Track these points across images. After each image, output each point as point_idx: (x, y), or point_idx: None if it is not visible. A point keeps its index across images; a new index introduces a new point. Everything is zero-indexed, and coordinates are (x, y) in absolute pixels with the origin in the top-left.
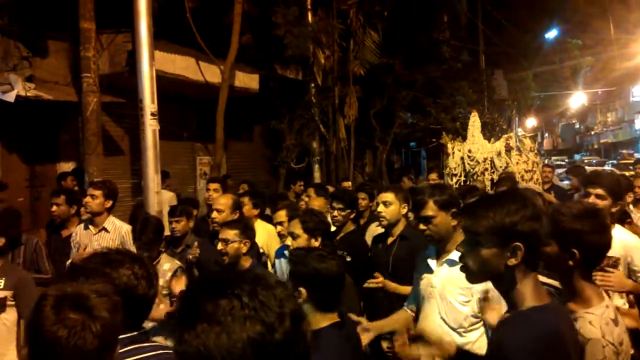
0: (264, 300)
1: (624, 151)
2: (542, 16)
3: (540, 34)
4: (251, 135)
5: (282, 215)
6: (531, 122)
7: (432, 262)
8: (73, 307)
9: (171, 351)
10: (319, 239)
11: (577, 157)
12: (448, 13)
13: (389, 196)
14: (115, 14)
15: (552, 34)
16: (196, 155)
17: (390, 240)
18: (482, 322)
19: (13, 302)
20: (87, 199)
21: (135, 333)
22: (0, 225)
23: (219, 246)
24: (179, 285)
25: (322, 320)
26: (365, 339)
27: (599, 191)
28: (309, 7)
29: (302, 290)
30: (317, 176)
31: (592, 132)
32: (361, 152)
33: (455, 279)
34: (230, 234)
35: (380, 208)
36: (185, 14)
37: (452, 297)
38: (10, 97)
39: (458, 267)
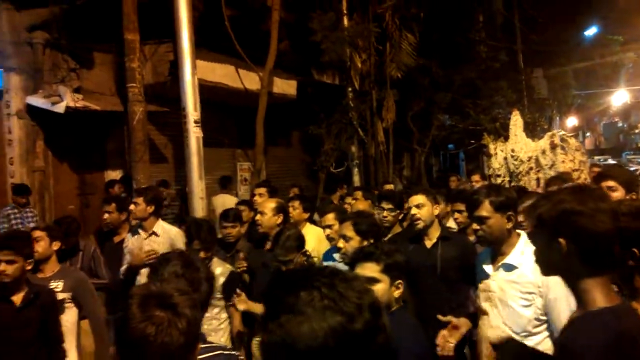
0: (342, 292)
1: None
2: (580, 12)
3: (579, 30)
4: (290, 141)
5: (330, 218)
6: (572, 121)
7: (487, 267)
8: (159, 305)
9: (227, 352)
10: (371, 241)
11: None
12: (484, 13)
13: (420, 198)
14: (157, 25)
15: (591, 31)
16: (236, 162)
17: (429, 242)
18: (546, 325)
19: (71, 304)
20: (132, 206)
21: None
22: (60, 233)
23: (257, 217)
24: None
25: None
26: (457, 336)
27: (610, 183)
28: (345, 11)
29: None
30: (356, 180)
31: (637, 130)
32: (399, 155)
33: (514, 283)
34: (267, 207)
35: (414, 211)
36: (223, 23)
37: (512, 302)
38: (60, 108)
39: (516, 271)
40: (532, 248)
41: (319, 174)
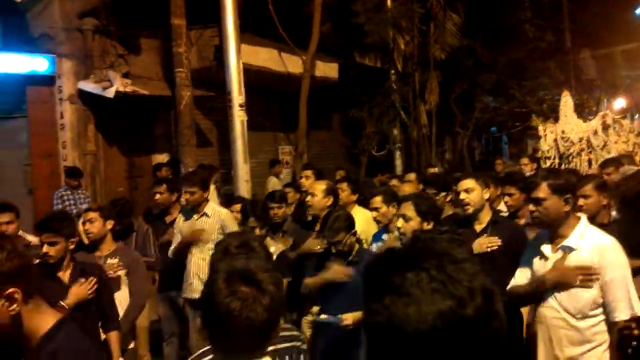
0: (452, 274)
1: None
2: None
3: (630, 8)
4: (331, 124)
5: (378, 201)
6: (620, 102)
7: (546, 248)
8: (244, 280)
9: (299, 343)
10: (431, 223)
11: None
12: None
13: (469, 183)
14: (202, 10)
15: None
16: (278, 145)
17: (478, 227)
18: (602, 309)
19: (126, 280)
20: (187, 195)
21: None
22: (112, 212)
23: (307, 198)
24: None
25: None
26: None
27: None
28: None
29: None
30: (398, 164)
31: None
32: (441, 138)
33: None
34: (317, 189)
35: (463, 195)
36: (267, 7)
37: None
38: (110, 92)
39: (575, 253)
40: (592, 231)
41: (360, 157)
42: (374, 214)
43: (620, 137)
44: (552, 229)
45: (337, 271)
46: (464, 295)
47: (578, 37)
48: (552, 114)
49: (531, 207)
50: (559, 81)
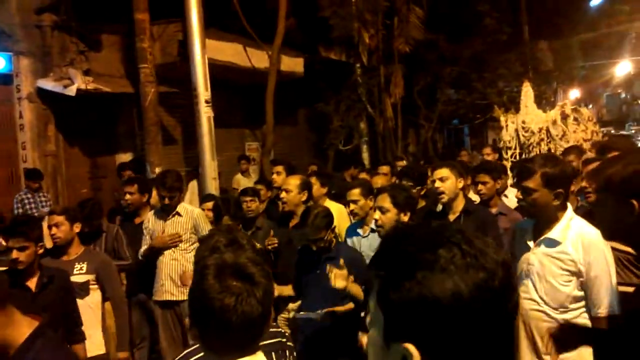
0: (482, 248)
1: None
2: None
3: (585, 1)
4: (296, 119)
5: (356, 193)
6: (574, 93)
7: (529, 240)
8: (235, 275)
9: (284, 340)
10: (408, 214)
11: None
12: None
13: (444, 172)
14: (164, 4)
15: (596, 1)
16: (245, 142)
17: (452, 216)
18: (583, 302)
19: (96, 285)
20: (166, 201)
21: None
22: (79, 214)
23: (281, 194)
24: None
25: None
26: None
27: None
28: None
29: None
30: (365, 157)
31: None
32: (404, 131)
33: (555, 259)
34: (291, 184)
35: (438, 184)
36: (231, 1)
37: (552, 277)
38: (72, 90)
39: (558, 247)
40: (578, 222)
41: (328, 152)
42: (352, 206)
43: (580, 125)
44: (537, 220)
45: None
46: (494, 268)
47: (535, 29)
48: (512, 105)
49: (519, 194)
50: (518, 73)
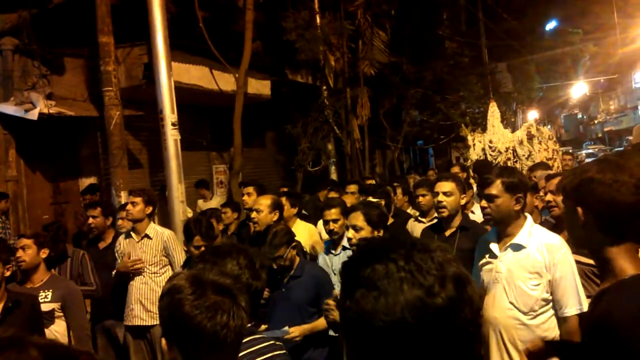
0: (420, 264)
1: (629, 137)
2: (541, 5)
3: (541, 23)
4: (264, 141)
5: (335, 212)
6: (533, 114)
7: (494, 247)
8: (217, 292)
9: (279, 343)
10: (381, 231)
11: (584, 146)
12: (448, 9)
13: (449, 186)
14: (128, 27)
15: (551, 25)
16: (212, 164)
17: (449, 231)
18: (551, 304)
19: (61, 314)
20: (129, 206)
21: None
22: (48, 240)
23: (252, 215)
24: None
25: None
26: None
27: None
28: (317, 10)
29: None
30: (334, 177)
31: (596, 121)
32: (371, 152)
33: (522, 263)
34: (262, 204)
35: (441, 198)
36: (197, 24)
37: (521, 282)
38: (34, 115)
39: (524, 251)
40: (539, 229)
41: (297, 173)
42: (332, 225)
43: (542, 144)
44: (501, 227)
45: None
46: (433, 284)
47: (495, 52)
48: (475, 126)
49: (483, 203)
50: (479, 94)
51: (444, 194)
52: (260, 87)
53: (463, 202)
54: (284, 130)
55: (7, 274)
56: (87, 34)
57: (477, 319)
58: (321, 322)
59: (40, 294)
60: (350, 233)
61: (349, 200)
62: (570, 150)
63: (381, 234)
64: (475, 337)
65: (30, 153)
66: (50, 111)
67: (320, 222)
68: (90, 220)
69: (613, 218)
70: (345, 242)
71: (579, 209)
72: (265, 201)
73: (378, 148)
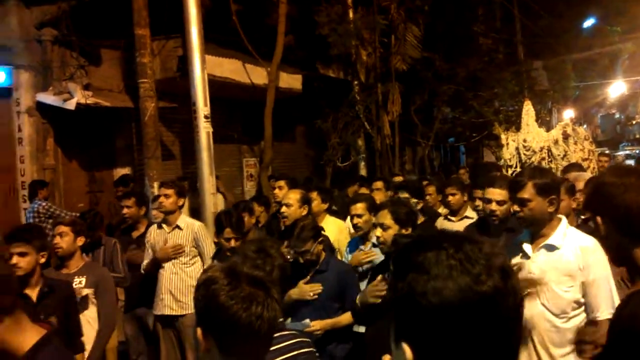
0: (469, 254)
1: None
2: (578, 3)
3: (578, 21)
4: (294, 136)
5: (360, 207)
6: (569, 113)
7: (527, 247)
8: (251, 284)
9: (306, 339)
10: (409, 230)
11: (620, 147)
12: (483, 5)
13: (503, 194)
14: (164, 20)
15: (589, 22)
16: (242, 158)
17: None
18: (583, 308)
19: (95, 300)
20: (162, 198)
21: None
22: (84, 228)
23: (282, 209)
24: None
25: None
26: None
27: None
28: (350, 4)
29: None
30: (363, 173)
31: (634, 122)
32: (401, 149)
33: (555, 265)
34: (292, 198)
35: (494, 207)
36: (230, 18)
37: (554, 284)
38: (71, 104)
39: (557, 252)
40: (574, 231)
41: (326, 168)
42: (356, 220)
43: (577, 145)
44: (535, 229)
45: (304, 291)
46: (481, 272)
47: (531, 50)
48: (508, 124)
49: (516, 207)
50: (514, 92)
51: (497, 202)
52: (291, 81)
53: (512, 210)
54: (314, 125)
55: (42, 260)
56: (124, 26)
57: (520, 310)
58: (344, 318)
59: (75, 280)
60: (378, 232)
61: (378, 196)
62: (607, 151)
63: (409, 232)
64: (516, 327)
65: (68, 142)
66: (87, 101)
67: (349, 218)
68: (125, 210)
69: (630, 220)
70: (374, 239)
71: (598, 219)
72: (294, 195)
73: (408, 145)
